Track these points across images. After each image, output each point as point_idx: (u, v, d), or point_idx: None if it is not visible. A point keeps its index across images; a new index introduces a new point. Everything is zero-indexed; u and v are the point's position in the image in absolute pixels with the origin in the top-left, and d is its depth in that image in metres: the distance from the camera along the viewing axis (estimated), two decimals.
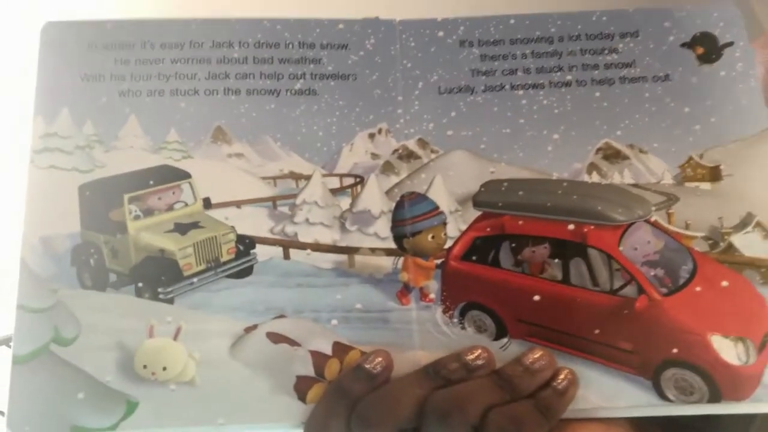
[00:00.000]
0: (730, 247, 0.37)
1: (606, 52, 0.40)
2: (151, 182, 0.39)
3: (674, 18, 0.41)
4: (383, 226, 0.38)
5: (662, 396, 0.35)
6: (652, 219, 0.38)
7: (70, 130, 0.38)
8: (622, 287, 0.36)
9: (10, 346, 0.71)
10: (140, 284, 0.37)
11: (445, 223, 0.38)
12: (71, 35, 0.40)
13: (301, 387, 0.36)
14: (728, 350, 0.34)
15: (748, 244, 0.37)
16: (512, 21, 0.41)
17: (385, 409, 0.33)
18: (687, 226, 0.38)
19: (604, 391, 0.35)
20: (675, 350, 0.35)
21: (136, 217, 0.39)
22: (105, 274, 0.38)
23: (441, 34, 0.41)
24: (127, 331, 0.36)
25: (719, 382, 0.34)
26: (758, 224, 0.37)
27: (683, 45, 0.40)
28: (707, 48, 0.40)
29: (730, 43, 0.40)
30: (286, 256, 0.38)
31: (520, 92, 0.40)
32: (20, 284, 0.36)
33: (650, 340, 0.35)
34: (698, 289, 0.36)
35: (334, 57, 0.41)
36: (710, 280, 0.36)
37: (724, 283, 0.36)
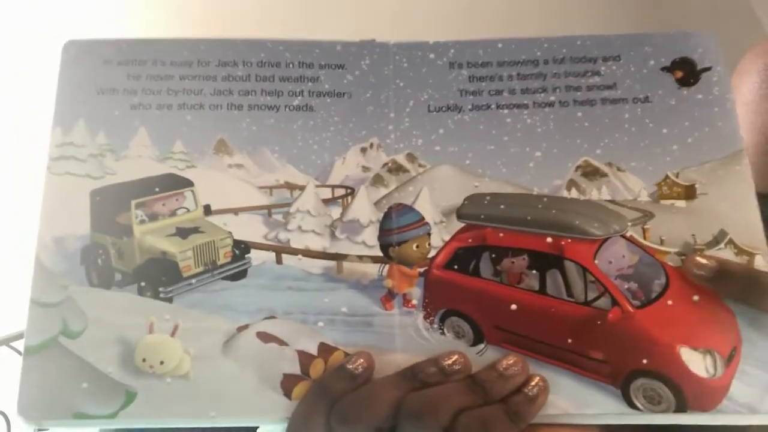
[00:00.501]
0: None
1: (589, 74, 0.42)
2: (157, 189, 0.42)
3: (655, 43, 0.43)
4: (371, 235, 0.41)
5: (631, 404, 0.36)
6: (628, 234, 0.39)
7: (85, 140, 0.42)
8: (596, 299, 0.38)
9: (10, 346, 0.75)
10: (143, 283, 0.40)
11: (429, 234, 0.41)
12: (89, 53, 0.43)
13: (287, 384, 0.38)
14: (697, 362, 0.36)
15: None
16: (500, 45, 0.43)
17: (362, 407, 0.35)
18: (661, 242, 0.39)
19: (574, 397, 0.36)
20: (645, 361, 0.36)
21: (142, 222, 0.42)
22: (111, 273, 0.41)
23: (432, 56, 0.44)
24: (128, 326, 0.39)
25: (686, 393, 0.35)
26: (730, 241, 0.38)
27: (663, 69, 0.42)
28: (686, 72, 0.42)
29: (708, 68, 0.42)
30: (279, 261, 0.41)
31: (506, 111, 0.42)
32: (34, 280, 0.39)
33: (621, 351, 0.37)
34: (670, 302, 0.37)
35: (331, 76, 0.43)
36: (682, 294, 0.37)
37: (695, 298, 0.37)
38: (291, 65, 0.43)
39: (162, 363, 0.38)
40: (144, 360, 0.38)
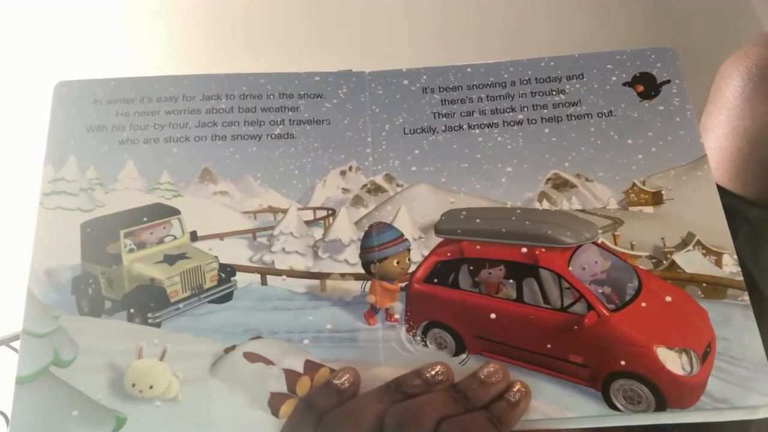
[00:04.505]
0: (673, 264, 0.40)
1: (554, 93, 0.45)
2: (145, 219, 0.43)
3: (616, 60, 0.45)
4: (353, 254, 0.42)
5: (611, 406, 0.37)
6: (599, 241, 0.40)
7: (76, 175, 0.43)
8: (571, 304, 0.39)
9: (10, 346, 0.75)
10: (132, 310, 0.41)
11: (409, 250, 0.42)
12: (80, 92, 0.45)
13: (275, 403, 0.38)
14: (673, 361, 0.36)
15: (690, 262, 0.39)
16: (469, 69, 0.46)
17: (348, 421, 0.36)
18: (632, 247, 0.40)
19: (556, 402, 0.37)
20: (623, 362, 0.37)
21: (131, 250, 0.44)
22: (101, 301, 0.42)
23: (406, 82, 0.46)
24: (118, 352, 0.39)
25: (665, 391, 0.36)
26: (698, 243, 0.39)
27: (625, 84, 0.44)
28: (646, 86, 0.44)
29: (668, 81, 0.44)
30: (264, 282, 0.42)
31: (477, 131, 0.44)
32: (26, 311, 0.40)
33: (599, 353, 0.37)
34: (643, 304, 0.38)
35: (310, 105, 0.46)
36: (655, 295, 0.39)
37: (668, 299, 0.38)
38: (272, 96, 0.46)
39: (151, 387, 0.39)
40: (133, 385, 0.39)
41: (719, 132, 0.56)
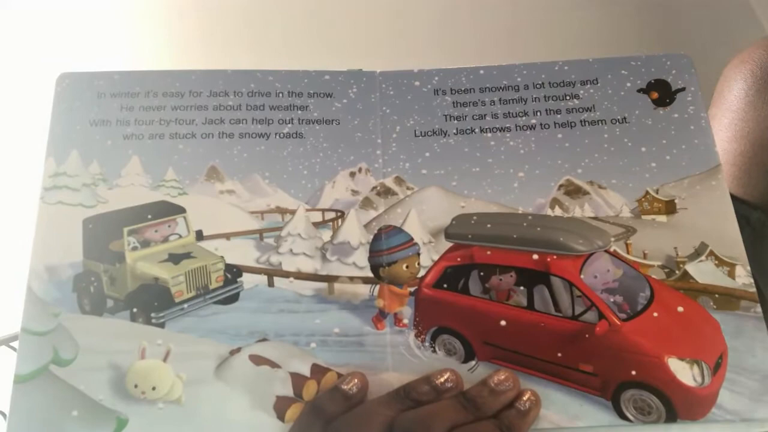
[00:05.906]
0: (685, 274, 0.39)
1: (568, 98, 0.44)
2: (149, 216, 0.42)
3: (631, 66, 0.45)
4: (361, 257, 0.41)
5: (622, 416, 0.36)
6: (612, 249, 0.40)
7: (78, 170, 0.42)
8: (583, 313, 0.38)
9: (10, 346, 0.73)
10: (135, 309, 0.40)
11: (418, 254, 0.41)
12: (83, 85, 0.44)
13: (281, 406, 0.38)
14: (684, 372, 0.36)
15: (702, 272, 0.39)
16: (481, 71, 0.45)
17: (356, 428, 0.35)
18: (644, 256, 0.40)
19: (565, 411, 0.37)
20: (634, 372, 0.36)
21: (134, 248, 0.43)
22: (103, 300, 0.41)
23: (417, 83, 0.45)
24: (120, 352, 0.39)
25: (675, 402, 0.36)
26: (711, 253, 0.39)
27: (639, 90, 0.44)
28: (661, 93, 0.43)
29: (682, 89, 0.43)
30: (270, 284, 0.41)
31: (489, 135, 0.43)
32: (25, 309, 0.39)
33: (610, 363, 0.37)
34: (655, 314, 0.38)
35: (319, 104, 0.45)
36: (667, 305, 0.38)
37: (680, 309, 0.38)
38: (281, 94, 0.45)
39: (154, 388, 0.38)
40: (136, 386, 0.38)
41: (722, 135, 0.56)
